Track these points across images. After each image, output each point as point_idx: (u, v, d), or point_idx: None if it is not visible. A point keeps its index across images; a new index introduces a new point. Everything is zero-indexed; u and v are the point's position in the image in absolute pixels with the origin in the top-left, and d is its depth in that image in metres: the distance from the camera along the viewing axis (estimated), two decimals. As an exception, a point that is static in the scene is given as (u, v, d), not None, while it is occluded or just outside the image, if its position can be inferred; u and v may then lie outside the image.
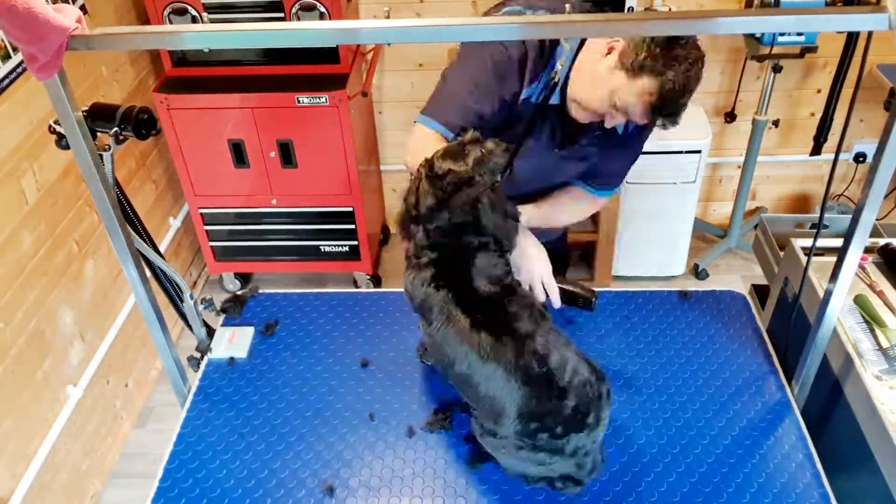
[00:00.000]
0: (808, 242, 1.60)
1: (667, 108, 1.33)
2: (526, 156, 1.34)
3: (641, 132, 1.55)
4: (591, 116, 1.42)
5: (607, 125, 1.42)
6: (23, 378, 2.03)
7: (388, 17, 1.17)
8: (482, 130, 1.29)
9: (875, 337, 1.42)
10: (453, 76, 1.45)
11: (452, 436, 1.36)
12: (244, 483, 1.30)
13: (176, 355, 1.48)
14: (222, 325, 1.65)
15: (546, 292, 1.42)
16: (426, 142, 1.38)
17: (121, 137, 1.23)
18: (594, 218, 2.86)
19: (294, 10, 2.50)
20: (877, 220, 1.14)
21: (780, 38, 2.58)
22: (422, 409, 1.42)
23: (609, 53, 1.33)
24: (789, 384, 1.44)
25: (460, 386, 1.25)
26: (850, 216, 1.16)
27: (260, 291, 1.72)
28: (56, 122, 1.16)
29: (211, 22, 2.51)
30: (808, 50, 2.61)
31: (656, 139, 2.70)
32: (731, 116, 3.05)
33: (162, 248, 2.81)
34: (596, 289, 1.50)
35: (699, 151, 2.75)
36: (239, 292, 1.71)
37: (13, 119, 2.00)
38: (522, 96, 1.42)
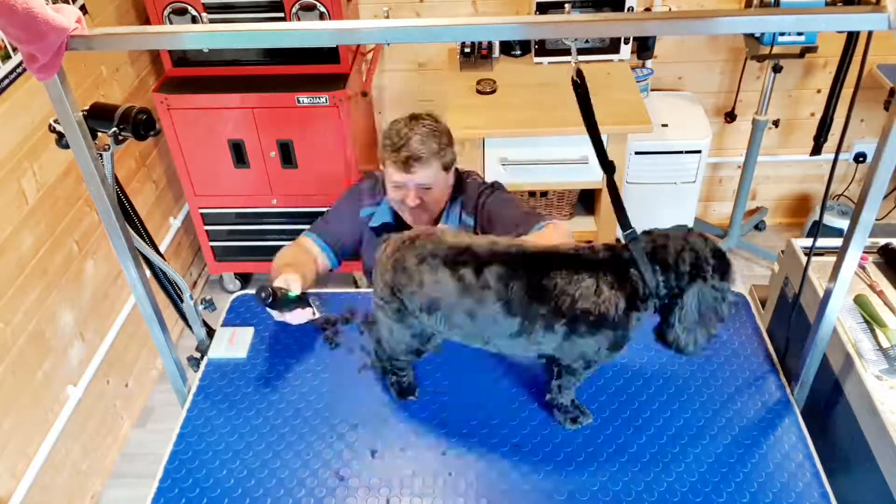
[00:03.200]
0: (808, 242, 1.60)
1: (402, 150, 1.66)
2: None
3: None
4: (405, 204, 1.72)
5: (410, 203, 1.71)
6: (23, 378, 2.03)
7: (387, 17, 1.17)
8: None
9: (875, 337, 1.42)
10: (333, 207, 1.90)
11: (452, 435, 1.36)
12: (244, 483, 1.30)
13: (176, 355, 1.48)
14: (222, 325, 1.65)
15: None
16: (297, 244, 1.81)
17: (119, 138, 1.23)
18: (593, 217, 2.87)
19: (294, 10, 2.50)
20: (877, 220, 1.14)
21: (780, 38, 2.58)
22: (422, 409, 1.42)
23: None
24: (789, 384, 1.44)
25: None
26: (850, 216, 1.16)
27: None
28: (56, 121, 1.16)
29: (211, 22, 2.51)
30: (808, 50, 2.61)
31: (657, 139, 2.70)
32: (731, 116, 3.05)
33: (162, 248, 2.81)
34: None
35: (699, 151, 2.75)
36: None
37: (13, 119, 2.00)
38: (361, 214, 1.84)
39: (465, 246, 1.24)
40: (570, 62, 1.09)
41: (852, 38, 2.27)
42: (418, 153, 1.65)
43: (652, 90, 2.97)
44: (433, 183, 1.70)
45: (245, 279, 3.21)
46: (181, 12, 2.50)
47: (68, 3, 2.26)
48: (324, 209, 2.86)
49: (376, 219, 1.83)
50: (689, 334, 1.20)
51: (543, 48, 2.76)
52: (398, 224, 1.81)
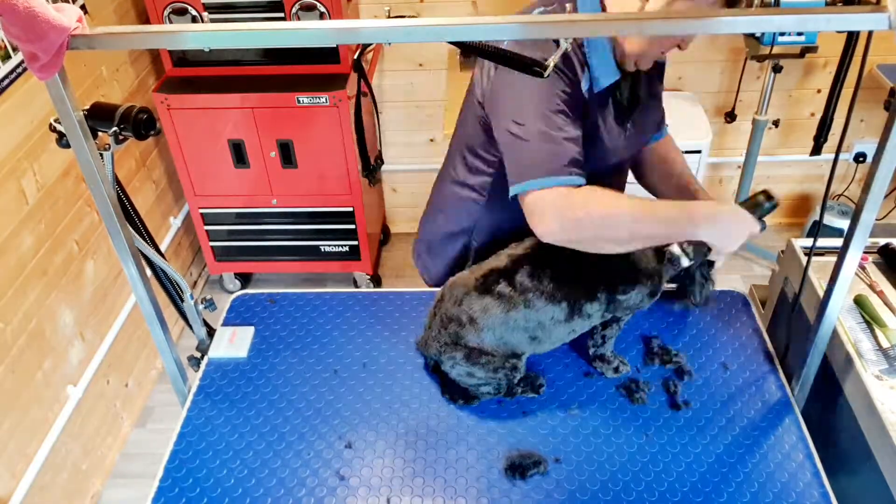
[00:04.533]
0: (808, 242, 1.60)
1: None
2: (602, 152, 1.41)
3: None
4: (654, 58, 1.33)
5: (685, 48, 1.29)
6: (23, 378, 2.03)
7: (388, 17, 1.16)
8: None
9: (875, 337, 1.42)
10: (523, 125, 1.27)
11: (453, 435, 1.36)
12: (245, 482, 1.30)
13: (176, 355, 1.48)
14: (222, 325, 1.65)
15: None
16: (566, 199, 1.23)
17: (120, 137, 1.23)
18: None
19: (294, 10, 2.50)
20: (877, 220, 1.14)
21: (780, 38, 2.58)
22: (422, 409, 1.42)
23: None
24: (789, 384, 1.44)
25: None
26: (850, 216, 1.16)
27: (259, 291, 1.73)
28: (56, 121, 1.16)
29: (211, 21, 2.51)
30: (808, 50, 2.61)
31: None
32: (731, 116, 3.05)
33: (162, 248, 2.81)
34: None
35: (699, 151, 2.75)
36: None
37: (13, 119, 2.00)
38: (584, 88, 1.31)
39: (486, 269, 1.36)
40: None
41: (852, 38, 2.27)
42: None
43: (652, 90, 2.97)
44: None
45: (245, 279, 3.21)
46: (181, 12, 2.50)
47: (69, 2, 2.26)
48: (323, 209, 2.90)
49: (601, 79, 1.33)
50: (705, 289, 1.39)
51: (543, 48, 2.76)
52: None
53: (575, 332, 1.37)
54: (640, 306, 1.37)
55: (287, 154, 2.70)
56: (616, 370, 1.47)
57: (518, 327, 1.32)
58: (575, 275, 1.30)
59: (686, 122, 2.82)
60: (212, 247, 3.00)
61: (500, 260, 1.36)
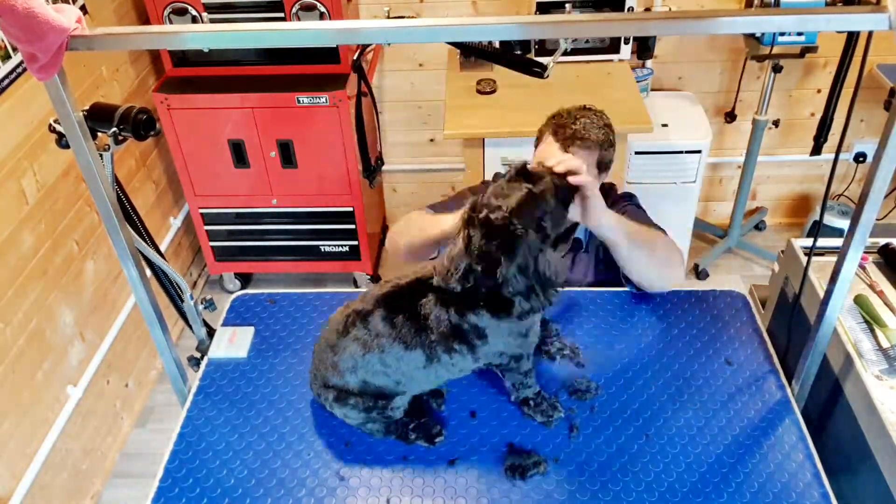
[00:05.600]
0: (808, 242, 1.60)
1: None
2: None
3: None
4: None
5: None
6: (23, 378, 2.03)
7: (388, 17, 1.16)
8: None
9: (875, 337, 1.42)
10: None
11: (453, 435, 1.36)
12: (245, 482, 1.30)
13: (176, 355, 1.48)
14: (222, 325, 1.65)
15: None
16: (410, 216, 1.64)
17: (119, 138, 1.24)
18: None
19: (294, 10, 2.50)
20: (877, 219, 1.14)
21: (780, 38, 2.58)
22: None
23: None
24: (789, 384, 1.44)
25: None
26: (850, 216, 1.16)
27: (259, 291, 1.73)
28: (56, 121, 1.16)
29: (211, 22, 2.51)
30: (808, 50, 2.61)
31: (657, 139, 2.70)
32: (731, 116, 3.05)
33: (162, 248, 2.81)
34: (595, 288, 1.49)
35: (699, 151, 2.75)
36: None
37: (13, 119, 2.00)
38: None
39: (351, 308, 1.29)
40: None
41: (852, 38, 2.27)
42: (583, 134, 1.59)
43: (652, 90, 2.97)
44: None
45: (245, 279, 3.21)
46: (181, 12, 2.50)
47: (68, 2, 2.26)
48: (323, 209, 2.90)
49: None
50: (531, 298, 1.18)
51: (543, 48, 2.76)
52: None
53: (442, 377, 1.31)
54: (516, 352, 1.29)
55: (287, 154, 2.70)
56: (545, 414, 1.36)
57: (377, 371, 1.26)
58: (425, 323, 1.22)
59: (686, 122, 2.82)
60: (212, 247, 3.00)
61: (365, 300, 1.28)
